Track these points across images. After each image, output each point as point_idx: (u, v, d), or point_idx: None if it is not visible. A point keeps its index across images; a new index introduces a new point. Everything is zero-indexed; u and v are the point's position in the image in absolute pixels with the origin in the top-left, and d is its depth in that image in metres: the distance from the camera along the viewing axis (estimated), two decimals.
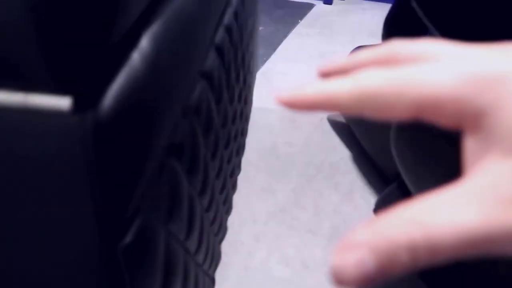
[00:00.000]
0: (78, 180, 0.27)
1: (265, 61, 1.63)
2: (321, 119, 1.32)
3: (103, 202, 0.29)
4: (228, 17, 0.64)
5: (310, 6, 2.17)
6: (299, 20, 2.00)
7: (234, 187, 0.95)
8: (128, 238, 0.33)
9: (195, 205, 0.52)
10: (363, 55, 0.18)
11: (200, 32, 0.48)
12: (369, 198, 1.03)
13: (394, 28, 0.91)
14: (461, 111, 0.13)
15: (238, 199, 1.02)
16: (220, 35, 0.60)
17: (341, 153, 1.18)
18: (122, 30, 0.28)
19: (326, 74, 0.19)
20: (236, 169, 0.92)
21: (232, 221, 0.96)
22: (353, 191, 1.05)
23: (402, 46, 0.17)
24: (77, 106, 0.25)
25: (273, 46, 1.75)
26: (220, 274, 0.85)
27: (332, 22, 2.02)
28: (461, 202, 0.12)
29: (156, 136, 0.35)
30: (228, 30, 0.64)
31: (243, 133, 0.96)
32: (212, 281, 0.81)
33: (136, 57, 0.30)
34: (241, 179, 1.07)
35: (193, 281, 0.55)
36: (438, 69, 0.14)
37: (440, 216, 0.12)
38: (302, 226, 0.96)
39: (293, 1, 2.24)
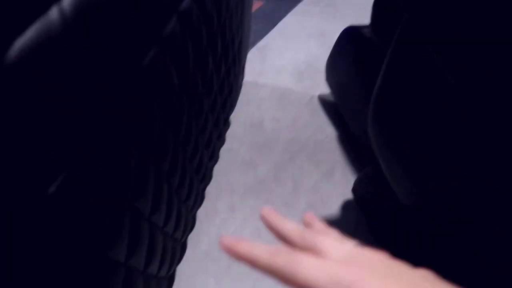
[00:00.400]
0: None
1: (263, 35, 1.62)
2: (311, 97, 1.31)
3: (21, 152, 0.31)
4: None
5: None
6: None
7: (213, 157, 0.97)
8: (52, 189, 0.35)
9: (149, 169, 0.53)
10: (289, 228, 0.27)
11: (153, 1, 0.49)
12: (349, 177, 1.04)
13: (379, 12, 0.90)
14: None
15: (218, 169, 1.04)
16: (187, 3, 0.60)
17: (327, 132, 1.18)
18: None
19: (265, 220, 0.29)
20: (215, 140, 0.93)
21: (210, 190, 0.98)
22: (334, 169, 1.06)
23: (306, 237, 0.25)
24: None
25: (273, 22, 1.73)
26: (193, 240, 0.88)
27: (336, 2, 1.98)
28: None
29: (82, 92, 0.36)
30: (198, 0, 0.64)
31: (224, 106, 0.97)
32: (183, 245, 0.84)
33: (55, 12, 0.31)
34: (224, 150, 1.09)
35: (146, 239, 0.57)
36: (320, 267, 0.22)
37: None
38: (279, 200, 0.98)
39: None
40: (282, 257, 0.23)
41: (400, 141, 0.77)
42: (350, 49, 1.10)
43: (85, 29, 0.34)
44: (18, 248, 0.36)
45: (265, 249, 0.24)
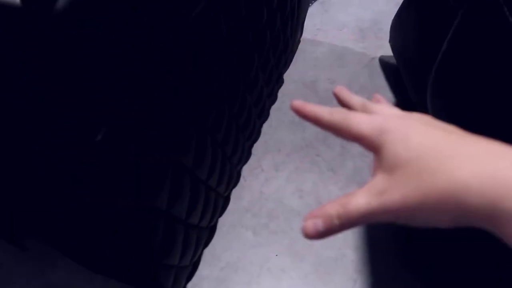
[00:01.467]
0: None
1: None
2: (371, 59, 1.24)
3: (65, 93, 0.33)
4: None
5: None
6: None
7: (262, 115, 0.96)
8: (99, 137, 0.37)
9: (191, 125, 0.54)
10: (354, 100, 0.33)
11: None
12: None
13: None
14: (371, 143, 0.26)
15: (267, 127, 1.04)
16: None
17: (385, 98, 1.12)
18: None
19: (337, 95, 0.35)
20: (265, 98, 0.92)
21: (257, 147, 0.99)
22: None
23: (366, 105, 0.31)
24: (30, 2, 0.27)
25: None
26: (236, 195, 0.90)
27: None
28: (362, 194, 0.23)
29: (129, 29, 0.36)
30: None
31: (278, 63, 0.94)
32: (226, 199, 0.87)
33: None
34: (274, 109, 1.08)
35: (188, 191, 0.59)
36: (367, 120, 0.26)
37: (352, 202, 0.23)
38: (325, 163, 0.97)
39: None
40: (339, 114, 0.28)
41: (457, 112, 0.72)
42: (418, 10, 1.01)
43: None
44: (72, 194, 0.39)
45: (327, 109, 0.29)
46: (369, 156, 0.88)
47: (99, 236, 0.47)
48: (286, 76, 1.16)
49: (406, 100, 1.08)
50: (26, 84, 0.31)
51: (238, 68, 0.66)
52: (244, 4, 0.61)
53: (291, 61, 1.18)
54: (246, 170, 0.95)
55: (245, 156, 0.91)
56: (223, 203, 0.83)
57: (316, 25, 1.36)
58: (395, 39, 1.14)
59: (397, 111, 0.28)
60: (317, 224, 0.24)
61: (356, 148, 0.99)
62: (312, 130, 1.04)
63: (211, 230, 0.82)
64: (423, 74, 0.96)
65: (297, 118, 1.06)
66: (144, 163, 0.46)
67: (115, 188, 0.44)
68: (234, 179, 0.85)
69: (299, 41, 1.25)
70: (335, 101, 1.09)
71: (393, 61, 1.20)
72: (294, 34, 1.06)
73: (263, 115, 0.98)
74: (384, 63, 1.23)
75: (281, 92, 1.12)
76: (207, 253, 0.82)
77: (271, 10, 0.75)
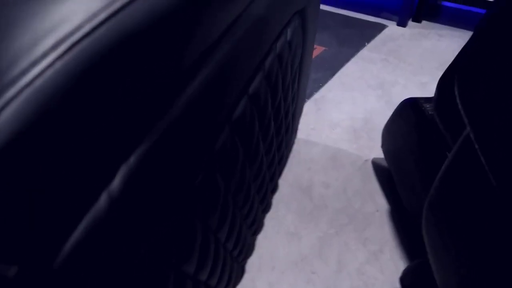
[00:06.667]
0: None
1: (320, 86, 1.60)
2: (365, 161, 1.26)
3: None
4: (257, 82, 0.64)
5: (381, 27, 2.07)
6: (366, 43, 1.92)
7: (258, 230, 0.95)
8: None
9: (186, 282, 0.53)
10: None
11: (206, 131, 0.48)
12: (399, 262, 0.98)
13: (443, 98, 0.84)
14: None
15: (261, 239, 1.02)
16: (241, 108, 0.60)
17: (378, 204, 1.13)
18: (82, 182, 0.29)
19: None
20: (260, 213, 0.92)
21: (252, 263, 0.97)
22: (382, 251, 1.00)
23: None
24: (26, 272, 0.26)
25: (332, 70, 1.70)
26: None
27: (401, 47, 1.91)
28: None
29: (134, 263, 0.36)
30: (255, 98, 0.64)
31: (273, 177, 0.95)
32: None
33: (104, 199, 0.31)
34: (269, 218, 1.07)
35: None
36: None
37: None
38: (320, 281, 0.94)
39: (365, 20, 2.15)
40: None
41: (452, 238, 0.71)
42: (409, 123, 1.04)
43: (132, 204, 0.34)
44: None
45: None
46: (366, 274, 0.86)
47: None
48: (281, 178, 1.17)
49: (400, 207, 1.09)
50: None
51: (234, 203, 0.66)
52: (242, 154, 0.63)
53: (284, 168, 1.20)
54: None
55: (240, 275, 0.89)
56: None
57: (309, 124, 1.40)
58: (386, 146, 1.16)
59: None
60: None
61: (353, 263, 0.97)
62: (307, 241, 1.03)
63: None
64: (416, 186, 0.97)
65: (292, 228, 1.05)
66: None
67: None
68: None
69: (293, 143, 1.27)
70: (329, 209, 1.09)
71: (385, 163, 1.22)
72: (288, 146, 1.08)
73: (258, 230, 0.97)
74: (377, 166, 1.25)
75: (276, 199, 1.12)
76: None
77: (266, 142, 0.77)
